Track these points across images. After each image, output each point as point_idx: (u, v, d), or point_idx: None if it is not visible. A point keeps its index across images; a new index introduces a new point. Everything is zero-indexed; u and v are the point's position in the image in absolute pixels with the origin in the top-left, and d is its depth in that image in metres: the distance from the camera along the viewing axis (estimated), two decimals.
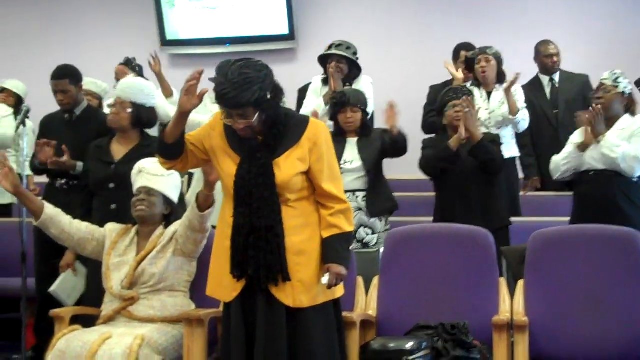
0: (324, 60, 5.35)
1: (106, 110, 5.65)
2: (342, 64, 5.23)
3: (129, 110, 4.12)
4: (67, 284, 4.22)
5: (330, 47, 5.34)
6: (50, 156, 4.34)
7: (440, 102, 4.66)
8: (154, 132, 4.53)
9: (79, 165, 4.39)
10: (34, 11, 8.38)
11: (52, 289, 4.27)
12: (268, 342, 2.91)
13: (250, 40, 7.76)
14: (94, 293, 4.02)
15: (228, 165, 2.98)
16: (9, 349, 4.99)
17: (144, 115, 4.16)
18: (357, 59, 5.34)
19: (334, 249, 2.97)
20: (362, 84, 5.25)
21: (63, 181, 4.77)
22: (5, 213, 5.61)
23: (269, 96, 2.89)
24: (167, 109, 4.85)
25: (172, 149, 3.03)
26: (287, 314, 2.94)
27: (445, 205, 4.57)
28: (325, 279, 2.94)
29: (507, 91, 5.08)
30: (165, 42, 8.02)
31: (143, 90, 4.20)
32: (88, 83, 5.41)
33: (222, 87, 2.85)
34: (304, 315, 2.95)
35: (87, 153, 4.36)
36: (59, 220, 3.71)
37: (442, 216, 4.53)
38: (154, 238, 3.69)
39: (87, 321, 3.72)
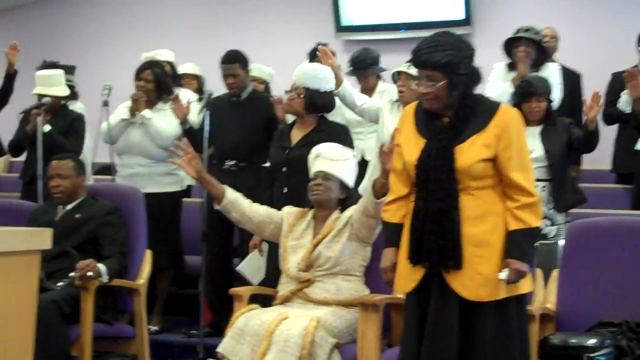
0: (508, 45, 5.24)
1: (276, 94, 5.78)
2: (530, 49, 5.11)
3: (302, 95, 4.16)
4: (253, 264, 4.34)
5: (518, 31, 5.23)
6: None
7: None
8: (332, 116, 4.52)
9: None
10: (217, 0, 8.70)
11: (239, 267, 4.41)
12: (438, 333, 2.84)
13: (425, 26, 7.61)
14: (270, 274, 4.12)
15: (412, 152, 2.94)
16: (188, 324, 5.19)
17: (318, 100, 4.19)
18: (545, 44, 5.23)
19: (517, 244, 2.85)
20: (550, 70, 5.10)
21: (232, 162, 4.91)
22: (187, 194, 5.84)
23: (461, 70, 2.84)
24: (353, 92, 4.85)
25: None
26: (462, 307, 2.85)
27: None
28: (503, 275, 2.82)
29: None
30: (339, 28, 8.07)
31: (316, 75, 4.21)
32: (253, 68, 5.52)
33: (419, 46, 2.88)
34: (481, 309, 2.85)
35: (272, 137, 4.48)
36: (240, 204, 3.80)
37: None
38: (330, 222, 3.72)
39: (264, 301, 3.81)
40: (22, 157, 5.61)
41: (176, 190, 5.26)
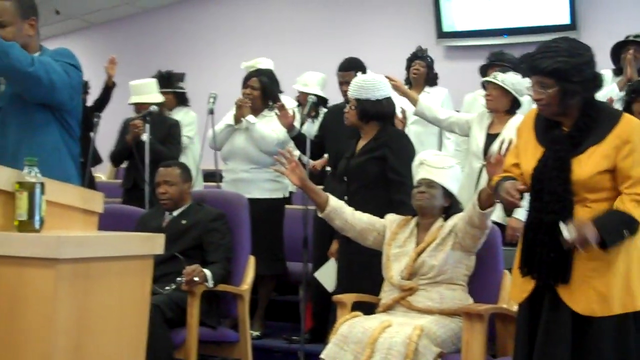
0: (616, 50, 5.16)
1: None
2: (639, 54, 5.10)
3: (354, 107, 4.16)
4: (330, 270, 4.36)
5: (627, 37, 5.24)
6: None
7: None
8: None
9: None
10: (320, 8, 8.76)
11: (316, 274, 4.44)
12: (548, 346, 2.78)
13: (528, 31, 7.54)
14: (372, 282, 4.12)
15: (529, 161, 2.88)
16: (289, 330, 5.22)
17: (370, 109, 4.16)
18: None
19: (608, 218, 2.70)
20: None
21: None
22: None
23: (574, 78, 2.76)
24: (433, 108, 4.87)
25: None
26: (576, 321, 2.77)
27: None
28: (565, 231, 2.64)
29: None
30: (440, 34, 8.03)
31: (363, 85, 4.18)
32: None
33: (533, 52, 2.84)
34: (595, 324, 2.76)
35: None
36: (343, 212, 3.80)
37: None
38: (433, 230, 3.69)
39: (366, 308, 3.81)
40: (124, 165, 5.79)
41: (279, 197, 5.31)
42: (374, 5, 8.49)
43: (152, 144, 5.31)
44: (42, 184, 2.28)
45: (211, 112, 5.28)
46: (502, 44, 7.36)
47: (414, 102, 4.90)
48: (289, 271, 5.39)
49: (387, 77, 4.42)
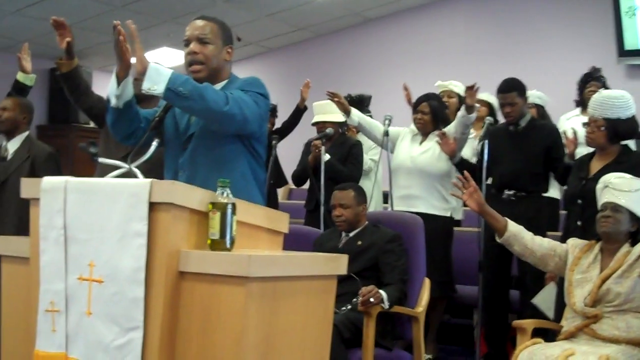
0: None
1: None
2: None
3: (603, 127, 4.00)
4: (549, 296, 4.24)
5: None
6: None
7: None
8: None
9: None
10: (493, 27, 8.65)
11: (534, 300, 4.32)
12: None
13: None
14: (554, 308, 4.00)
15: None
16: (462, 354, 5.16)
17: (620, 129, 4.01)
18: None
19: None
20: None
21: (511, 192, 4.83)
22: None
23: None
24: None
25: None
26: None
27: None
28: None
29: None
30: (622, 53, 7.72)
31: (615, 103, 4.03)
32: (531, 96, 5.41)
33: None
34: None
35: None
36: (522, 237, 3.73)
37: None
38: (619, 256, 3.54)
39: (546, 335, 3.71)
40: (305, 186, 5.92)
41: (448, 216, 5.27)
42: (549, 23, 8.29)
43: (333, 164, 5.42)
44: (234, 205, 2.37)
45: (386, 134, 5.33)
46: None
47: None
48: (460, 294, 5.33)
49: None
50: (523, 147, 4.90)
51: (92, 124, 4.85)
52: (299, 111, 6.52)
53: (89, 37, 8.96)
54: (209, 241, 2.37)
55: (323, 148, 5.40)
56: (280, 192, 8.62)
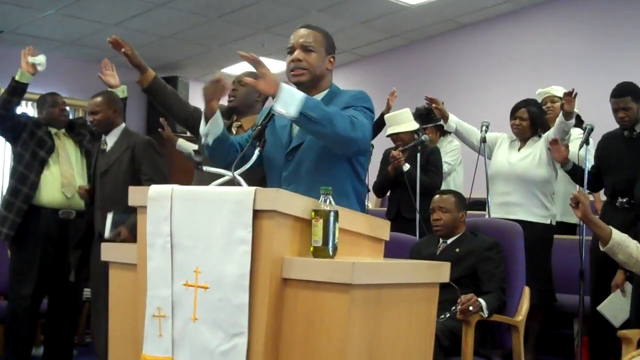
0: None
1: None
2: None
3: None
4: (614, 304, 4.16)
5: None
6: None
7: None
8: None
9: None
10: (592, 31, 8.44)
11: (599, 307, 4.25)
12: None
13: None
14: (633, 315, 3.90)
15: None
16: None
17: None
18: None
19: None
20: None
21: (624, 200, 4.71)
22: (571, 231, 5.75)
23: None
24: None
25: None
26: None
27: None
28: None
29: None
30: None
31: None
32: None
33: None
34: None
35: None
36: (627, 246, 3.61)
37: None
38: None
39: None
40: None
41: (548, 223, 5.18)
42: None
43: (411, 174, 5.42)
44: (336, 212, 2.38)
45: (484, 140, 5.28)
46: None
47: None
48: (560, 303, 5.22)
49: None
50: (636, 153, 4.77)
51: (188, 133, 4.90)
52: (383, 119, 6.52)
53: (185, 48, 9.17)
54: (311, 248, 2.38)
55: (401, 158, 5.44)
56: (373, 200, 8.63)
